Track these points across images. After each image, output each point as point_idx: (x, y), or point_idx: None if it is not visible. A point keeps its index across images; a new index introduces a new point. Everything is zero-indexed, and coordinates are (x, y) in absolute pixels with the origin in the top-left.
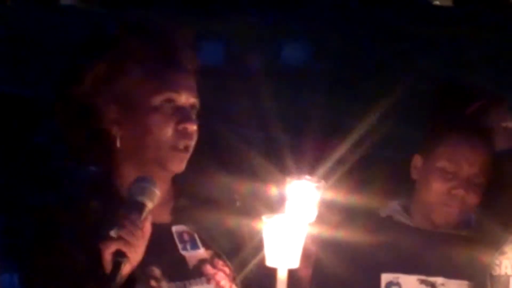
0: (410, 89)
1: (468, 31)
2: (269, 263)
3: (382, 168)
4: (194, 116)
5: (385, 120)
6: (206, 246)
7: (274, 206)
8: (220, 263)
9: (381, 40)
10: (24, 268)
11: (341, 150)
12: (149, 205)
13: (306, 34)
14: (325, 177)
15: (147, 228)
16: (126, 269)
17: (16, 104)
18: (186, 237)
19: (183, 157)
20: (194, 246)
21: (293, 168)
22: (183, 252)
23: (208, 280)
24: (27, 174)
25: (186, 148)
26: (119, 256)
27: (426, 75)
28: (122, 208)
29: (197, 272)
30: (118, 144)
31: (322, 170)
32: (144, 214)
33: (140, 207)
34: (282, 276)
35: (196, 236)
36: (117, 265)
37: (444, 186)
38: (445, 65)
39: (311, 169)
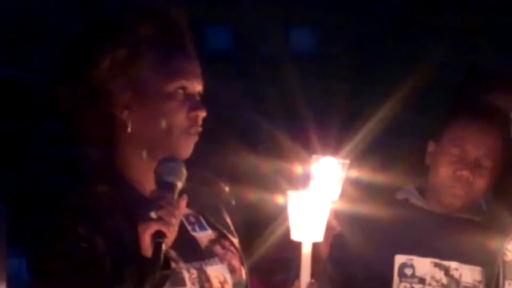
0: (427, 76)
1: (482, 18)
2: (294, 237)
3: (403, 153)
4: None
5: (401, 106)
6: (212, 227)
7: (299, 183)
8: (226, 243)
9: (392, 24)
10: (35, 253)
11: (361, 132)
12: (179, 184)
13: (314, 19)
14: (349, 157)
15: (183, 207)
16: (163, 249)
17: (22, 89)
18: (192, 219)
19: (192, 142)
20: (202, 227)
21: (318, 147)
22: (193, 234)
23: (221, 260)
24: (33, 159)
25: (195, 133)
26: (159, 237)
27: (442, 62)
28: (156, 189)
29: (210, 252)
30: (129, 129)
31: (346, 149)
32: (176, 194)
33: (171, 187)
34: (306, 250)
35: (201, 217)
36: (158, 246)
37: (450, 168)
38: (459, 51)
39: (336, 148)
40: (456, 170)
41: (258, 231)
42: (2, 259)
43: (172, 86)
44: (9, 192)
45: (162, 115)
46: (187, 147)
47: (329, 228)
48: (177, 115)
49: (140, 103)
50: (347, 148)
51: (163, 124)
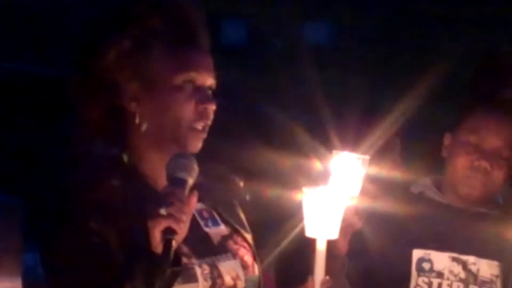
0: (444, 70)
1: (495, 11)
2: (309, 233)
3: (421, 147)
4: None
5: (418, 100)
6: (225, 223)
7: (318, 180)
8: (239, 239)
9: (408, 17)
10: (47, 248)
11: (380, 127)
12: (190, 181)
13: (329, 12)
14: (368, 152)
15: (193, 204)
16: (174, 246)
17: (38, 84)
18: (205, 214)
19: (201, 137)
20: (215, 223)
21: (336, 141)
22: (206, 229)
23: (234, 256)
24: (48, 153)
25: (204, 128)
26: (169, 234)
27: (459, 55)
28: (167, 185)
29: (222, 248)
30: (137, 120)
31: (365, 145)
32: (187, 190)
33: (182, 183)
34: (321, 247)
35: (214, 213)
36: (168, 243)
37: (467, 159)
38: (476, 44)
39: (355, 144)
40: (474, 160)
41: (275, 227)
42: (18, 254)
43: (179, 78)
44: (25, 187)
45: (170, 107)
46: (195, 141)
47: (349, 225)
48: (184, 107)
49: (148, 95)
50: (367, 142)
51: (171, 117)
